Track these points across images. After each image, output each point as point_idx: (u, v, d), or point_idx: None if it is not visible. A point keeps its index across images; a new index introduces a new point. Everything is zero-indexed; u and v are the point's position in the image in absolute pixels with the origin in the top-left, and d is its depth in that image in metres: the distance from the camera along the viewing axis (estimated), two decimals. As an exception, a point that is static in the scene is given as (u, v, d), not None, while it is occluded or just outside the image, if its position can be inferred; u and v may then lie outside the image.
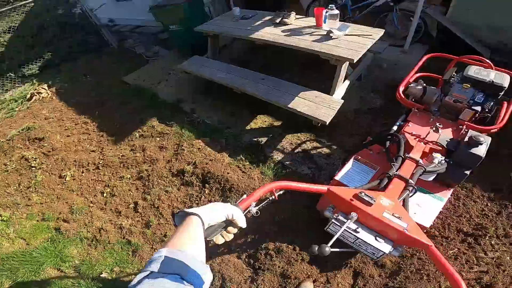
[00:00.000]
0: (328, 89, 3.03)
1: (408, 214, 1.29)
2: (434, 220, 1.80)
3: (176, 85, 4.30)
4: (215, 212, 0.75)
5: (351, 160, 1.93)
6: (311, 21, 3.51)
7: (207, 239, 0.74)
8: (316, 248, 0.93)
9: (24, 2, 5.30)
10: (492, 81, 1.93)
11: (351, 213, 1.12)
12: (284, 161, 2.77)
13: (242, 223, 0.81)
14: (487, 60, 2.17)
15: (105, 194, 2.94)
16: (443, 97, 2.05)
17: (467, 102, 1.95)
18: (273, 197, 1.06)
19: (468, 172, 1.73)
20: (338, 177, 1.83)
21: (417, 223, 1.54)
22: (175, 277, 0.53)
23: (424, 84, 2.19)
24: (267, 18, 3.75)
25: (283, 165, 2.74)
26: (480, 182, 2.35)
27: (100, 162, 3.25)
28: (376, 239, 1.10)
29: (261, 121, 3.32)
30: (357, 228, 1.11)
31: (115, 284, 2.25)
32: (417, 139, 1.88)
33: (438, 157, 1.71)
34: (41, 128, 3.95)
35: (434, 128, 1.93)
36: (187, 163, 2.91)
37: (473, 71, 2.01)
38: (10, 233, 2.83)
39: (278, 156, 2.85)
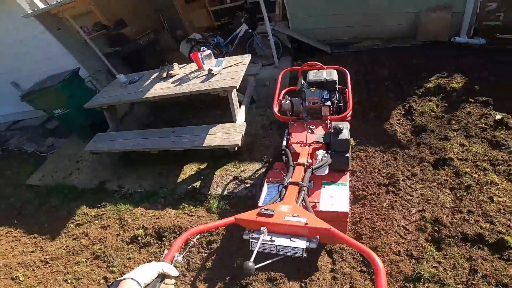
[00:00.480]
0: (231, 119, 3.44)
1: (308, 210, 1.46)
2: (350, 199, 2.11)
3: (91, 170, 4.08)
4: (146, 271, 0.81)
5: (265, 184, 2.14)
6: (194, 66, 3.92)
7: None
8: (244, 265, 1.02)
9: None
10: (326, 79, 2.35)
11: (261, 228, 1.23)
12: (222, 193, 3.01)
13: (174, 273, 0.88)
14: (318, 63, 2.62)
15: (69, 281, 2.67)
16: (304, 103, 2.41)
17: (320, 101, 2.33)
18: (192, 242, 1.16)
19: (348, 155, 2.02)
20: (260, 203, 2.00)
21: (339, 211, 1.83)
22: None
23: (290, 98, 2.55)
24: (154, 75, 4.01)
25: (223, 196, 2.97)
26: (369, 143, 3.04)
27: (47, 257, 2.95)
28: (291, 240, 1.20)
29: (189, 170, 3.49)
30: (271, 237, 1.21)
31: None
32: (301, 145, 2.14)
33: (320, 153, 1.99)
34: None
35: (309, 131, 2.25)
36: (136, 229, 2.88)
37: (312, 76, 2.43)
38: None
39: (215, 191, 3.07)
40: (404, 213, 2.34)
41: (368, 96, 3.74)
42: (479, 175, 2.42)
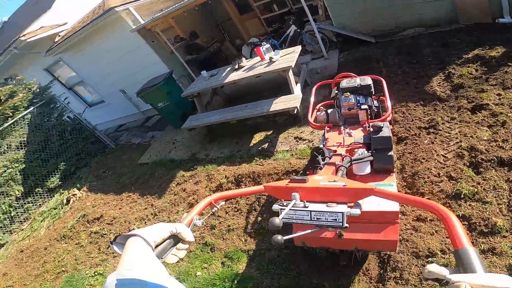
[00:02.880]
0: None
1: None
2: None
3: (184, 148, 5.01)
4: (156, 229, 0.70)
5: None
6: (257, 59, 4.63)
7: (160, 260, 0.67)
8: (270, 221, 0.85)
9: (22, 114, 5.65)
10: (360, 84, 2.28)
11: (292, 194, 1.06)
12: (285, 149, 3.59)
13: (190, 237, 0.76)
14: (352, 74, 2.67)
15: (170, 228, 3.45)
16: (340, 111, 2.33)
17: (356, 105, 2.23)
18: (216, 208, 1.03)
19: (391, 153, 1.82)
20: None
21: (388, 211, 1.59)
22: None
23: (325, 110, 2.55)
24: (228, 68, 4.82)
25: (286, 150, 3.56)
26: (410, 101, 3.33)
27: (155, 211, 3.79)
28: (327, 206, 1.02)
29: (258, 137, 4.16)
30: (305, 204, 1.04)
31: (209, 280, 2.65)
32: (338, 146, 2.04)
33: (360, 150, 1.89)
34: (94, 211, 4.40)
35: (347, 135, 2.13)
36: (220, 179, 3.61)
37: (345, 83, 2.37)
38: None
39: (280, 148, 3.67)
40: (443, 146, 2.60)
41: (410, 69, 3.97)
42: (514, 114, 2.57)
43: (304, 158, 3.20)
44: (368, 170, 1.85)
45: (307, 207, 1.01)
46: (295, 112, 3.71)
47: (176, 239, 0.75)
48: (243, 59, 4.75)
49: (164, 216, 3.64)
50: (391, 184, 1.79)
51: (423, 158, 2.55)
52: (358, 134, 2.11)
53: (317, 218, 1.00)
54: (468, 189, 2.16)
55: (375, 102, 2.38)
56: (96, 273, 3.39)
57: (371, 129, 1.88)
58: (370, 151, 1.86)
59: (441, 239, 2.00)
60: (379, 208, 1.62)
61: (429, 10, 4.77)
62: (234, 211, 3.13)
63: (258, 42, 6.36)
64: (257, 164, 3.55)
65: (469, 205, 2.10)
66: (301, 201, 1.04)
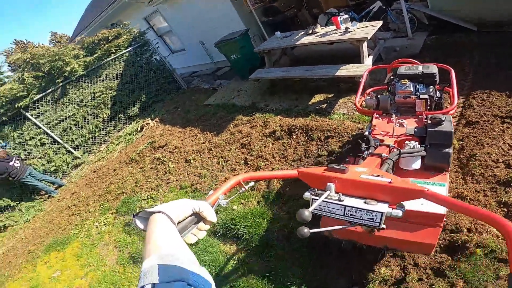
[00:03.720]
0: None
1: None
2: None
3: (246, 96, 5.44)
4: (179, 206, 0.67)
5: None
6: (333, 27, 4.58)
7: None
8: (298, 213, 0.78)
9: (122, 52, 6.82)
10: (422, 72, 2.05)
11: (327, 184, 0.96)
12: (342, 112, 3.66)
13: (212, 217, 0.72)
14: (414, 60, 2.41)
15: (220, 162, 3.92)
16: (394, 98, 2.12)
17: (414, 94, 2.01)
18: (243, 189, 0.95)
19: (449, 150, 1.64)
20: None
21: (432, 212, 1.42)
22: (182, 284, 0.44)
23: (376, 95, 2.32)
24: (302, 32, 4.90)
25: (343, 114, 3.63)
26: (494, 89, 3.04)
27: (211, 146, 4.32)
28: (365, 203, 0.90)
29: (318, 97, 4.28)
30: (340, 196, 0.93)
31: (243, 214, 2.93)
32: (385, 135, 1.86)
33: (411, 143, 1.69)
34: (161, 140, 5.21)
35: (398, 125, 1.93)
36: (274, 127, 3.89)
37: (403, 69, 2.16)
38: (158, 204, 3.83)
39: (337, 110, 3.76)
40: (503, 142, 2.39)
41: (506, 62, 3.49)
42: None
43: (360, 123, 3.26)
44: (417, 165, 1.68)
45: (342, 200, 0.92)
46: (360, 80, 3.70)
47: (198, 217, 0.72)
48: (318, 25, 4.76)
49: (217, 152, 4.15)
50: (442, 184, 1.61)
51: (487, 143, 2.42)
52: (411, 125, 1.89)
53: (351, 214, 0.91)
54: (527, 180, 2.04)
55: (438, 92, 2.15)
56: (148, 197, 4.04)
57: (429, 121, 1.70)
58: (423, 145, 1.68)
59: (472, 219, 1.98)
60: (423, 208, 1.44)
61: None
62: (280, 157, 3.44)
63: (337, 13, 6.18)
64: (311, 120, 3.73)
65: (519, 194, 2.00)
66: (336, 192, 0.95)
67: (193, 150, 4.47)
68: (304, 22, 8.10)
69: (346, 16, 4.43)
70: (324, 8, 8.17)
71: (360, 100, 2.40)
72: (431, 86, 2.08)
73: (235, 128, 4.42)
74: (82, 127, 6.54)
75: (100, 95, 6.64)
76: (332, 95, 4.15)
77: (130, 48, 7.00)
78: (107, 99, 6.74)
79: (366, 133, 1.96)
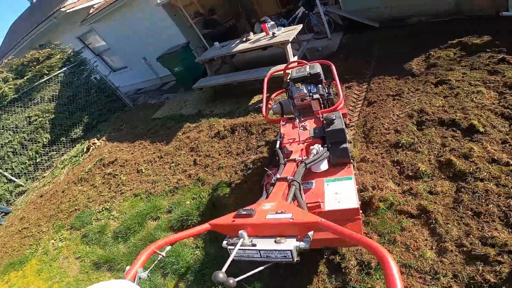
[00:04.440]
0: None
1: (301, 207, 1.30)
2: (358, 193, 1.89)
3: (192, 106, 5.70)
4: None
5: (264, 192, 1.81)
6: (263, 34, 5.14)
7: None
8: (212, 276, 0.80)
9: (57, 73, 6.59)
10: (309, 73, 2.19)
11: (239, 232, 1.02)
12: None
13: None
14: (302, 61, 2.72)
15: (171, 167, 4.12)
16: (293, 102, 2.26)
17: (308, 95, 2.15)
18: (160, 256, 0.97)
19: (346, 145, 1.80)
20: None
21: (348, 208, 1.56)
22: None
23: (279, 101, 2.48)
24: (238, 40, 5.37)
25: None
26: (387, 75, 3.77)
27: (162, 154, 4.50)
28: (275, 242, 0.99)
29: (257, 98, 4.74)
30: (252, 241, 1.00)
31: (196, 206, 3.23)
32: (294, 143, 1.97)
33: (315, 148, 1.80)
34: (110, 156, 5.19)
35: (302, 128, 2.04)
36: (219, 128, 4.25)
37: (295, 72, 2.30)
38: (114, 214, 3.88)
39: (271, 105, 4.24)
40: (401, 108, 3.09)
41: (399, 51, 4.35)
42: (469, 88, 2.99)
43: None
44: (325, 166, 1.83)
45: (255, 245, 0.99)
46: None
47: None
48: (251, 33, 5.28)
49: (168, 158, 4.34)
50: (349, 177, 1.77)
51: (382, 116, 3.07)
52: (312, 126, 2.05)
53: (266, 256, 0.98)
54: (407, 140, 2.67)
55: (326, 89, 2.34)
56: (103, 209, 4.08)
57: (324, 122, 1.86)
58: (325, 146, 1.83)
59: (374, 178, 2.52)
60: (340, 206, 1.61)
61: (435, 1, 4.91)
62: (225, 153, 3.77)
63: (269, 20, 6.84)
64: (251, 117, 4.16)
65: (405, 153, 2.61)
66: (249, 237, 1.02)
67: (144, 161, 4.57)
68: (244, 31, 8.68)
69: (273, 22, 5.02)
70: (260, 17, 8.88)
71: (268, 108, 2.51)
72: (320, 85, 2.26)
73: (184, 135, 4.66)
74: (21, 154, 6.16)
75: (36, 119, 6.32)
76: (268, 94, 4.63)
77: (65, 68, 6.80)
78: (45, 123, 6.42)
79: (278, 143, 2.11)
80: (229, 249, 1.02)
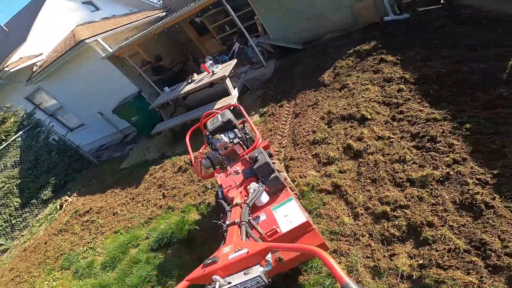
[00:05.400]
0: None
1: (249, 239, 1.50)
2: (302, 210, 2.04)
3: (155, 150, 6.23)
4: None
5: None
6: (205, 73, 5.97)
7: None
8: None
9: (14, 137, 6.67)
10: (222, 121, 2.40)
11: (212, 277, 1.21)
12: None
13: None
14: (214, 111, 2.99)
15: (143, 204, 4.59)
16: (218, 152, 2.44)
17: (230, 142, 2.33)
18: None
19: (275, 174, 2.02)
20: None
21: (299, 224, 1.77)
22: None
23: (206, 156, 2.65)
24: (185, 83, 6.14)
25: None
26: (307, 89, 4.70)
27: (133, 196, 4.95)
28: (244, 274, 1.18)
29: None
30: (227, 280, 1.19)
31: (169, 227, 3.68)
32: (232, 189, 2.13)
33: (251, 186, 1.99)
34: (84, 207, 5.48)
35: (235, 173, 2.20)
36: (180, 164, 4.85)
37: (210, 125, 2.47)
38: (98, 251, 4.22)
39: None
40: (316, 114, 3.97)
41: (316, 66, 5.38)
42: (361, 88, 3.96)
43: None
44: (266, 198, 2.03)
45: (231, 282, 1.18)
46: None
47: None
48: (195, 74, 6.11)
49: (140, 198, 4.79)
50: (290, 199, 1.99)
51: (304, 123, 3.92)
52: (242, 168, 2.24)
53: (244, 287, 1.17)
54: (321, 137, 3.51)
55: (242, 130, 2.55)
56: (87, 248, 4.41)
57: (250, 161, 2.04)
58: (259, 181, 2.02)
59: (300, 170, 3.27)
60: (293, 225, 1.79)
61: (336, 18, 6.14)
62: (189, 182, 4.34)
63: (208, 60, 7.78)
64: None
65: (320, 146, 3.42)
66: (223, 278, 1.21)
67: (118, 204, 4.98)
68: (192, 72, 9.54)
69: (211, 62, 5.89)
70: (206, 56, 9.88)
71: (199, 166, 2.68)
72: (235, 129, 2.48)
73: (151, 177, 5.18)
74: (-5, 217, 6.12)
75: (3, 186, 6.44)
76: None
77: (21, 132, 6.85)
78: (13, 188, 6.54)
79: (219, 194, 2.27)
80: None
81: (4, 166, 6.60)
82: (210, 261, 1.28)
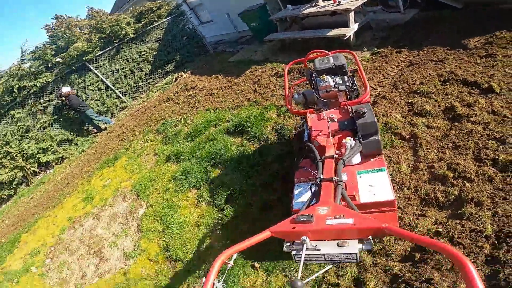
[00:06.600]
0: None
1: (350, 208, 1.30)
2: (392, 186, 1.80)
3: (262, 54, 6.77)
4: None
5: (295, 185, 1.90)
6: (331, 1, 5.69)
7: None
8: (292, 285, 0.86)
9: (163, 21, 8.56)
10: (334, 64, 2.17)
11: (301, 238, 1.05)
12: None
13: None
14: (323, 51, 2.59)
15: (236, 93, 5.30)
16: (318, 93, 2.20)
17: (334, 87, 2.11)
18: (230, 265, 1.03)
19: (377, 137, 1.79)
20: (293, 206, 1.80)
21: (384, 200, 1.57)
22: None
23: (301, 92, 2.38)
24: (307, 5, 6.07)
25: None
26: (439, 45, 4.15)
27: (231, 84, 5.76)
28: (338, 245, 1.03)
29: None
30: (316, 246, 1.04)
31: (248, 117, 4.32)
32: (324, 136, 1.91)
33: (348, 141, 1.76)
34: (191, 84, 6.72)
35: (330, 120, 1.98)
36: (279, 70, 5.26)
37: (318, 64, 2.24)
38: (188, 122, 5.23)
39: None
40: (435, 70, 3.55)
41: (466, 31, 4.46)
42: (509, 62, 3.26)
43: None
44: (358, 159, 1.85)
45: (319, 250, 1.03)
46: (345, 39, 4.91)
47: None
48: (320, 0, 5.92)
49: (235, 88, 5.52)
50: (382, 169, 1.77)
51: (416, 73, 3.60)
52: (340, 118, 2.02)
53: (331, 259, 1.02)
54: (426, 89, 3.23)
55: (351, 79, 2.32)
56: (181, 118, 5.48)
57: (354, 114, 1.86)
58: (356, 138, 1.84)
59: (386, 110, 3.20)
60: (376, 198, 1.61)
61: None
62: (280, 86, 4.76)
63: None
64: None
65: (421, 98, 3.19)
66: (311, 242, 1.05)
67: (217, 87, 5.93)
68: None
69: (340, -7, 5.53)
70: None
71: (289, 99, 2.48)
72: (345, 76, 2.25)
73: (250, 73, 5.81)
74: (129, 78, 8.28)
75: (144, 54, 8.35)
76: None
77: (169, 17, 8.62)
78: (150, 57, 8.43)
79: (305, 137, 2.13)
80: (293, 254, 1.08)
81: (149, 40, 8.46)
82: (304, 218, 1.13)
